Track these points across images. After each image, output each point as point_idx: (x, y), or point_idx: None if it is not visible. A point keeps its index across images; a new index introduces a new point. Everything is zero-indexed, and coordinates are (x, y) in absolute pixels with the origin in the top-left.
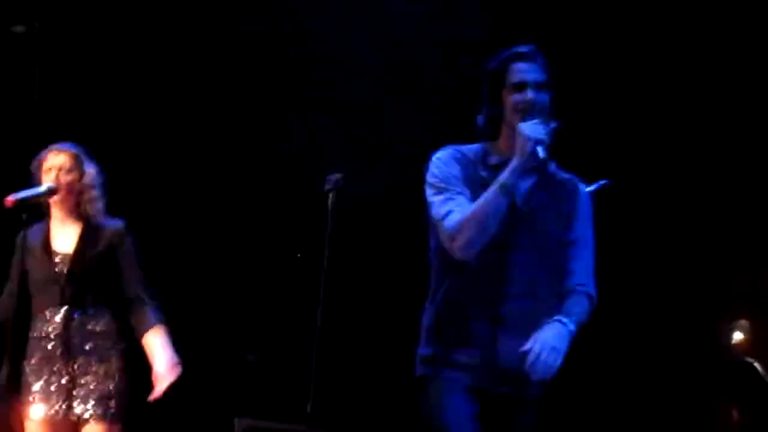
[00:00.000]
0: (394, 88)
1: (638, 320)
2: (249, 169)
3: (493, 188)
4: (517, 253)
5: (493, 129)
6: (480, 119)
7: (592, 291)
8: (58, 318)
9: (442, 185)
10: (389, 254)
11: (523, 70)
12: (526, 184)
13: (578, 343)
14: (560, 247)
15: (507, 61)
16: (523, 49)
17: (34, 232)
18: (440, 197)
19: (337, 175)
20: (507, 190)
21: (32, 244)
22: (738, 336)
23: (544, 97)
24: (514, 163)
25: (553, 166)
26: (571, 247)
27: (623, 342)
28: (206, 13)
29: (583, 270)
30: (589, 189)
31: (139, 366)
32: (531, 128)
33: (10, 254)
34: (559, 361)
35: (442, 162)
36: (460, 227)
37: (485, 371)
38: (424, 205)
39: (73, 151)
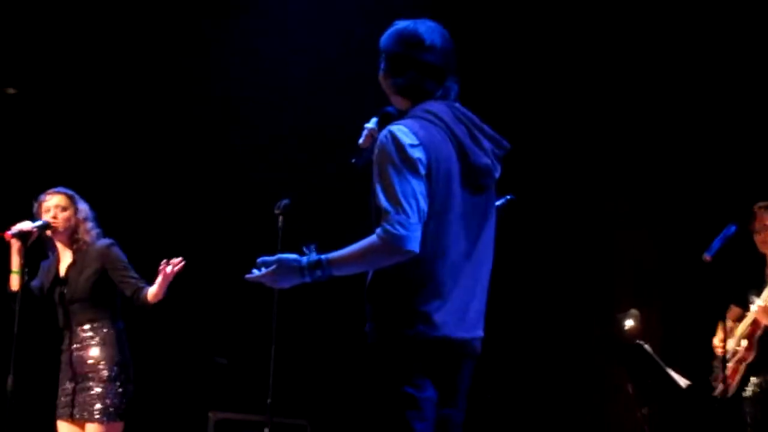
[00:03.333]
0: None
1: (550, 314)
2: (213, 190)
3: None
4: None
5: None
6: None
7: (380, 229)
8: (66, 334)
9: None
10: None
11: None
12: None
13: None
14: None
15: None
16: None
17: (48, 261)
18: None
19: (286, 201)
20: None
21: (47, 271)
22: (629, 323)
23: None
24: None
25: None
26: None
27: (539, 330)
28: (167, 53)
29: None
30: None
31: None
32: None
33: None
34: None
35: None
36: None
37: None
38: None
39: (66, 192)
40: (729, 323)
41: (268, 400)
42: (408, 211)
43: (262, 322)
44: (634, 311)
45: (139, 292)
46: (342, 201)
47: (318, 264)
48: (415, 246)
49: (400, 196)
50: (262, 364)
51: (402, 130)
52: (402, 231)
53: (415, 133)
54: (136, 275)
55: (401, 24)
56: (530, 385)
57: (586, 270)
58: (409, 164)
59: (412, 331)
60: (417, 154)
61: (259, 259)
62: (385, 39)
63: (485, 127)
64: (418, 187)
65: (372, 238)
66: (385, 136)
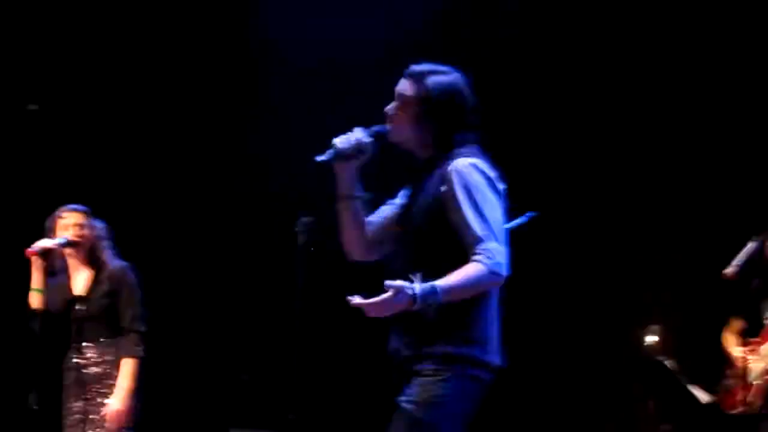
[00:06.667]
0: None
1: (571, 330)
2: (236, 208)
3: None
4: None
5: None
6: None
7: (482, 257)
8: (75, 351)
9: None
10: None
11: None
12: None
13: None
14: (425, 234)
15: None
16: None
17: (56, 279)
18: None
19: (308, 218)
20: None
21: (58, 289)
22: (651, 338)
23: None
24: None
25: (445, 164)
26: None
27: (560, 347)
28: (187, 68)
29: (467, 240)
30: (517, 222)
31: (146, 384)
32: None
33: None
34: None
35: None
36: None
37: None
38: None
39: (83, 210)
40: (731, 337)
41: (290, 416)
42: (502, 240)
43: (285, 337)
44: (655, 327)
45: (127, 334)
46: None
47: (433, 292)
48: (506, 272)
49: (496, 225)
50: (284, 380)
51: (483, 165)
52: (503, 260)
53: (491, 169)
54: (136, 311)
55: (449, 76)
56: (551, 402)
57: (607, 286)
58: (498, 196)
59: (480, 355)
60: (500, 186)
61: (387, 284)
62: (433, 84)
63: None
64: (502, 216)
65: (479, 267)
66: (471, 169)
